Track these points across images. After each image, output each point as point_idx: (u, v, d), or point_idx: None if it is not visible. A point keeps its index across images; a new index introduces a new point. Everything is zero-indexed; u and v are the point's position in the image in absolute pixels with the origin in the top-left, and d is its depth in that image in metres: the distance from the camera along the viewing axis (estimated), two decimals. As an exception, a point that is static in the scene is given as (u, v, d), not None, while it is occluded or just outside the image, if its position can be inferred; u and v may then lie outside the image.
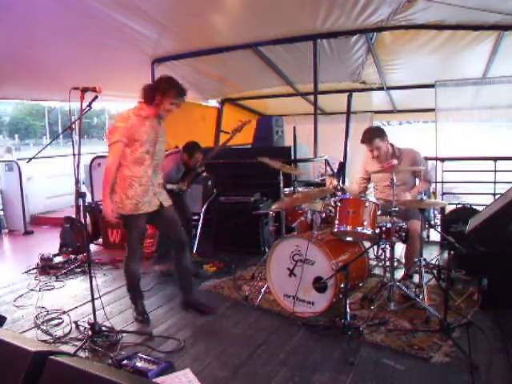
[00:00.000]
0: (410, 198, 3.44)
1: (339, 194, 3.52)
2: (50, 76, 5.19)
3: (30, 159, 3.43)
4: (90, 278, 2.74)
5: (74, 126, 2.83)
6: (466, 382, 2.17)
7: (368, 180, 3.86)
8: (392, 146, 3.65)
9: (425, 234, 4.53)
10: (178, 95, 2.84)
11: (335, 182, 3.72)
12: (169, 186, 3.96)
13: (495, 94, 5.24)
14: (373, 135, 3.57)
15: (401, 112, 7.88)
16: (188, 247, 3.23)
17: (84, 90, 2.65)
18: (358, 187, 3.86)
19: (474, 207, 4.25)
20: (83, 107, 2.65)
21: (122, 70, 5.54)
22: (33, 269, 4.19)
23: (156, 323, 2.99)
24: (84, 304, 3.32)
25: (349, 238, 3.22)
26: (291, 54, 4.98)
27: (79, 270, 4.17)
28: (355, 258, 2.94)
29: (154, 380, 2.17)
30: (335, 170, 4.25)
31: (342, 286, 2.73)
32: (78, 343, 2.65)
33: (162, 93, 2.80)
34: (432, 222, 5.07)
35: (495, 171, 4.67)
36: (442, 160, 5.00)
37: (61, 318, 3.07)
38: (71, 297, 3.52)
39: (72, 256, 4.52)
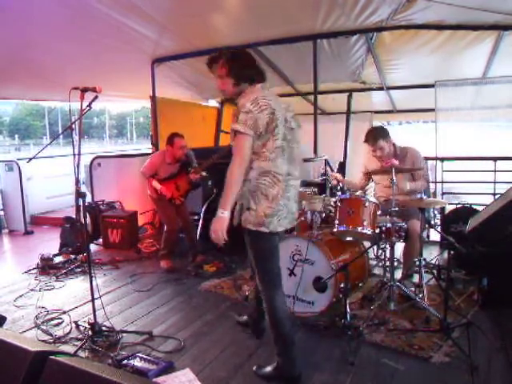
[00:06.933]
0: (409, 187, 3.42)
1: (339, 193, 3.52)
2: (50, 76, 5.19)
3: (30, 159, 3.44)
4: (90, 278, 2.74)
5: (73, 125, 2.84)
6: (466, 382, 2.17)
7: (369, 178, 3.86)
8: (394, 145, 3.64)
9: (425, 233, 4.53)
10: None
11: (339, 177, 3.72)
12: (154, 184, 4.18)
13: (495, 94, 5.24)
14: (377, 136, 3.54)
15: (401, 112, 7.86)
16: None
17: (84, 90, 2.65)
18: (358, 182, 3.87)
19: (474, 207, 4.25)
20: (83, 107, 2.65)
21: (122, 69, 5.53)
22: (33, 269, 4.18)
23: (156, 323, 2.99)
24: (84, 304, 3.32)
25: (349, 238, 3.22)
26: (291, 53, 4.96)
27: (79, 269, 4.16)
28: (355, 258, 2.95)
29: (153, 380, 2.17)
30: (335, 170, 4.26)
31: (342, 285, 2.72)
32: (78, 343, 2.65)
33: None
34: (432, 222, 5.07)
35: (495, 171, 4.68)
36: (442, 160, 5.00)
37: (61, 318, 3.07)
38: (71, 297, 3.52)
39: (72, 256, 4.51)
